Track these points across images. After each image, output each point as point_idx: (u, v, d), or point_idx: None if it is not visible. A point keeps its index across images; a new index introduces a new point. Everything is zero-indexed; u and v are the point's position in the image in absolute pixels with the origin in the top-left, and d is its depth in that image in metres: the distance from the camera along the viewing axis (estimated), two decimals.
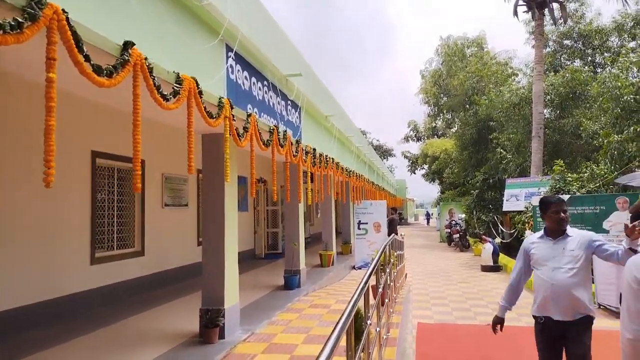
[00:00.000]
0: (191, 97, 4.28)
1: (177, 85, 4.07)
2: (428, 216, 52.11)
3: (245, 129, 5.53)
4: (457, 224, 20.90)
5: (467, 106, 25.20)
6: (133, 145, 3.42)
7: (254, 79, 6.85)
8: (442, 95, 30.70)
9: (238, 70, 6.25)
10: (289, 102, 8.69)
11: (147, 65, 3.49)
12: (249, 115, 5.67)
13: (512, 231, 16.31)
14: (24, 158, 6.18)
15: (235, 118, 5.30)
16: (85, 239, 7.35)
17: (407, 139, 45.36)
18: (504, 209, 16.64)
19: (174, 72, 4.01)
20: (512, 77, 25.04)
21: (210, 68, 5.25)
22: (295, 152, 7.68)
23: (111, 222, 8.18)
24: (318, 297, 8.66)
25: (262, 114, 7.15)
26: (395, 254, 8.10)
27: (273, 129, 6.72)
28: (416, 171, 44.94)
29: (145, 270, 8.85)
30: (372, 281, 4.37)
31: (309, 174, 11.59)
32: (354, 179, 13.90)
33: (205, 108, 4.52)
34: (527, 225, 12.90)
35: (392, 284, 7.34)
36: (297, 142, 7.91)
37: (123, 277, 8.18)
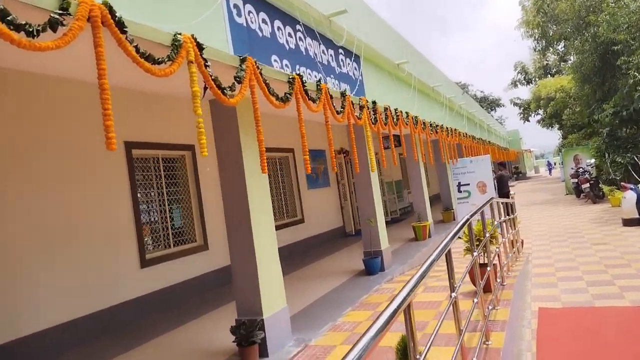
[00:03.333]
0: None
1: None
2: (550, 166, 46.56)
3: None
4: (585, 171, 17.49)
5: (582, 30, 20.95)
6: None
7: (277, 23, 5.41)
8: (549, 24, 26.17)
9: (249, 12, 4.86)
10: (339, 50, 7.11)
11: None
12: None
13: None
14: (51, 162, 5.53)
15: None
16: (131, 240, 6.65)
17: (514, 83, 40.30)
18: None
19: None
20: None
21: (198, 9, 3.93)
22: (359, 113, 6.04)
23: (164, 218, 7.45)
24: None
25: (298, 66, 5.71)
26: (498, 220, 6.22)
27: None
28: (530, 118, 39.98)
29: (210, 265, 8.06)
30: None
31: (391, 136, 9.94)
32: (444, 135, 11.85)
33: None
34: None
35: (496, 261, 5.55)
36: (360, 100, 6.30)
37: (184, 277, 7.44)
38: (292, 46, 5.68)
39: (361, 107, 6.72)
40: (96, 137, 6.02)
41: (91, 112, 5.85)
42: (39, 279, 5.31)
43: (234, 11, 4.59)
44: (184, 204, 7.94)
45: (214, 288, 7.87)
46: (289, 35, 5.63)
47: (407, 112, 8.78)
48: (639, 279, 6.21)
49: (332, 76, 6.68)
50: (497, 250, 5.63)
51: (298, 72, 5.55)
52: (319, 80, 5.58)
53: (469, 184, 12.62)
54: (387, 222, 14.13)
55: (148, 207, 7.25)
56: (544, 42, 28.05)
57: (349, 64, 7.41)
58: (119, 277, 6.33)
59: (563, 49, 28.78)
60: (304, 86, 4.87)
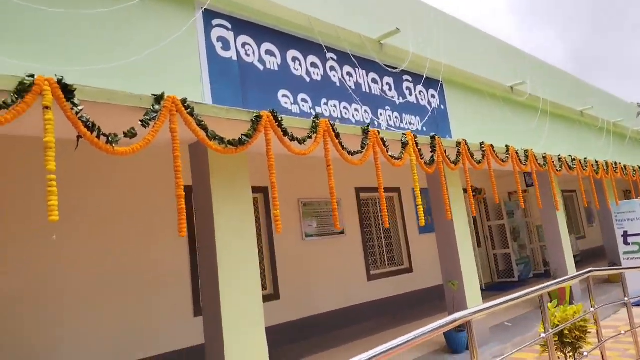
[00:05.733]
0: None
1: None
2: None
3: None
4: None
5: None
6: None
7: (293, 53, 4.73)
8: None
9: (244, 45, 4.31)
10: (405, 77, 6.01)
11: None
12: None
13: None
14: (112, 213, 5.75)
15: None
16: (186, 287, 6.49)
17: None
18: None
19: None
20: None
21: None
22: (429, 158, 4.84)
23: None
24: None
25: (326, 99, 4.89)
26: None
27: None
28: None
29: (282, 317, 7.45)
30: None
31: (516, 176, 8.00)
32: (601, 173, 9.13)
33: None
34: None
35: None
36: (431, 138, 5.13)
37: None
38: (317, 77, 4.90)
39: (433, 148, 5.31)
40: (154, 189, 6.10)
41: (148, 172, 5.93)
42: (88, 319, 5.39)
43: (218, 45, 4.09)
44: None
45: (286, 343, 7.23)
46: (312, 65, 4.88)
47: (525, 150, 6.88)
48: None
49: (387, 108, 5.62)
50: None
51: (325, 109, 4.76)
52: (369, 124, 4.67)
53: (639, 235, 9.54)
54: (513, 283, 11.67)
55: None
56: None
57: (420, 92, 6.22)
58: (173, 324, 6.18)
59: None
60: (333, 129, 4.01)
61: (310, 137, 3.77)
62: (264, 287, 7.48)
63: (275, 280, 7.59)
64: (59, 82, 2.57)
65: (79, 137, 2.66)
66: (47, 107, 2.52)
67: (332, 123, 4.00)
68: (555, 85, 9.79)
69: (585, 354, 3.50)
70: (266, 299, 7.27)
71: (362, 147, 4.20)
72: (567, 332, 3.52)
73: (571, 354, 3.55)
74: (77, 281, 5.41)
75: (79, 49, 3.19)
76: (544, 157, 7.17)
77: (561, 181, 9.33)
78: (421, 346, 6.46)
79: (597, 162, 9.00)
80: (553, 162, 7.39)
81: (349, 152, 4.03)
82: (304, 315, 7.74)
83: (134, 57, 3.37)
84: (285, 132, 3.58)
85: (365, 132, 4.31)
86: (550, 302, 8.29)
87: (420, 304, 9.65)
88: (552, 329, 3.22)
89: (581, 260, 15.56)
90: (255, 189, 7.46)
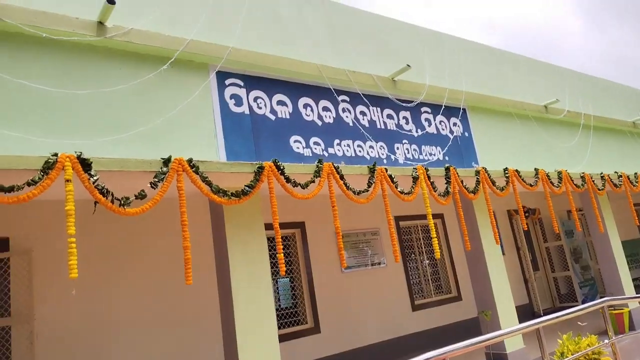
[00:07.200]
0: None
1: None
2: None
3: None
4: None
5: None
6: None
7: (305, 100, 5.05)
8: None
9: (257, 99, 4.69)
10: (424, 109, 6.14)
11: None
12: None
13: None
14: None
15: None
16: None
17: None
18: None
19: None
20: None
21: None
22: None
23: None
24: None
25: (338, 140, 5.14)
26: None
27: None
28: None
29: (324, 351, 7.57)
30: None
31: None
32: None
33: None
34: None
35: None
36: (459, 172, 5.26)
37: None
38: (330, 120, 5.17)
39: (447, 179, 5.40)
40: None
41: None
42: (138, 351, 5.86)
43: (231, 102, 4.49)
44: (296, 283, 7.85)
45: None
46: (324, 109, 5.16)
47: (559, 172, 6.67)
48: None
49: (405, 142, 5.76)
50: None
51: (338, 150, 5.02)
52: (374, 163, 4.89)
53: None
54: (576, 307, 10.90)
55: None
56: None
57: (441, 121, 6.29)
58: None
59: None
60: (337, 171, 4.28)
61: (313, 182, 4.01)
62: (303, 321, 7.68)
63: (315, 314, 7.76)
64: (78, 157, 3.03)
65: (95, 202, 3.09)
66: (68, 180, 2.97)
67: (336, 165, 4.23)
68: (599, 97, 9.39)
69: None
70: (306, 332, 7.48)
71: (369, 186, 4.38)
72: None
73: None
74: (132, 322, 5.91)
75: (103, 122, 3.67)
76: (581, 177, 6.90)
77: (634, 195, 8.76)
78: None
79: None
80: (593, 181, 7.07)
81: (354, 192, 4.21)
82: (347, 348, 7.80)
83: (152, 124, 3.82)
84: (287, 180, 3.85)
85: (372, 170, 4.48)
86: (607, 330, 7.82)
87: (469, 333, 9.35)
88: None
89: None
90: (292, 225, 7.87)
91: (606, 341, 3.57)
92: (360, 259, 8.51)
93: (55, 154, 2.98)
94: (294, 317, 7.67)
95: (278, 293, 7.67)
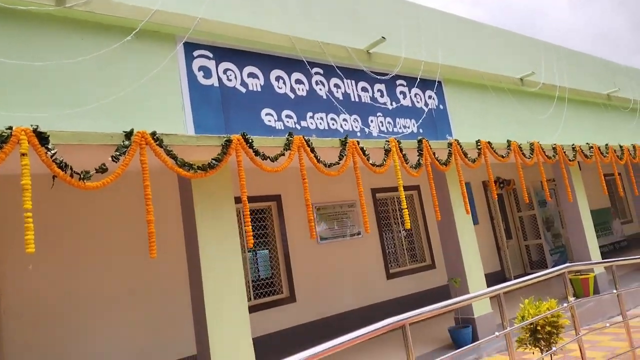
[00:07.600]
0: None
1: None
2: None
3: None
4: None
5: None
6: None
7: (277, 72, 4.96)
8: None
9: (226, 71, 4.59)
10: (399, 82, 6.10)
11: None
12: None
13: None
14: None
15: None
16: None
17: None
18: None
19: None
20: None
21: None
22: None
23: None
24: None
25: (312, 113, 5.09)
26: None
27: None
28: None
29: (296, 319, 7.70)
30: None
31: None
32: (626, 157, 8.76)
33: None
34: None
35: None
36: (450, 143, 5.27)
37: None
38: (303, 93, 5.10)
39: (420, 151, 5.45)
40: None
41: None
42: (102, 330, 5.92)
43: (199, 74, 4.39)
44: (272, 255, 7.92)
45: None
46: (297, 82, 5.09)
47: (531, 143, 6.78)
48: None
49: (379, 114, 5.74)
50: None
51: (311, 123, 4.97)
52: (346, 136, 4.86)
53: None
54: None
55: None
56: None
57: (416, 94, 6.27)
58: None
59: None
60: (308, 144, 4.26)
61: (283, 155, 3.99)
62: (279, 291, 7.79)
63: (290, 284, 7.87)
64: (34, 130, 2.94)
65: (54, 176, 3.03)
66: (24, 154, 2.89)
67: (307, 138, 4.21)
68: (575, 70, 9.45)
69: (554, 349, 3.55)
70: (282, 302, 7.60)
71: (340, 158, 4.38)
72: (540, 328, 3.57)
73: (547, 349, 3.59)
74: (101, 294, 5.93)
75: (63, 94, 3.56)
76: (553, 148, 7.01)
77: (604, 165, 8.96)
78: (427, 343, 6.54)
79: (621, 147, 8.64)
80: (564, 152, 7.20)
81: (326, 165, 4.21)
82: (321, 316, 7.98)
83: (115, 97, 3.72)
84: (256, 153, 3.82)
85: (344, 143, 4.47)
86: (574, 293, 8.13)
87: (441, 299, 9.64)
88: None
89: (628, 245, 14.90)
90: (268, 197, 7.87)
91: (565, 305, 3.71)
92: (337, 230, 8.59)
93: (10, 127, 2.89)
94: (271, 287, 7.77)
95: (257, 264, 7.74)
